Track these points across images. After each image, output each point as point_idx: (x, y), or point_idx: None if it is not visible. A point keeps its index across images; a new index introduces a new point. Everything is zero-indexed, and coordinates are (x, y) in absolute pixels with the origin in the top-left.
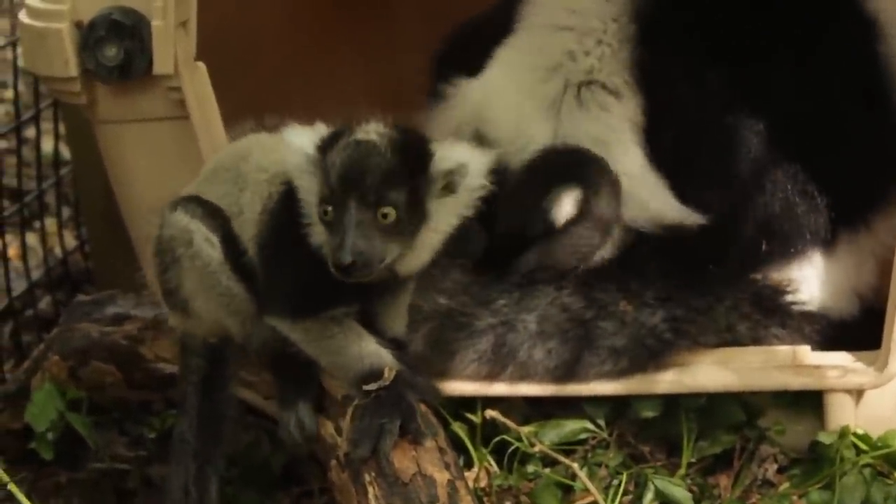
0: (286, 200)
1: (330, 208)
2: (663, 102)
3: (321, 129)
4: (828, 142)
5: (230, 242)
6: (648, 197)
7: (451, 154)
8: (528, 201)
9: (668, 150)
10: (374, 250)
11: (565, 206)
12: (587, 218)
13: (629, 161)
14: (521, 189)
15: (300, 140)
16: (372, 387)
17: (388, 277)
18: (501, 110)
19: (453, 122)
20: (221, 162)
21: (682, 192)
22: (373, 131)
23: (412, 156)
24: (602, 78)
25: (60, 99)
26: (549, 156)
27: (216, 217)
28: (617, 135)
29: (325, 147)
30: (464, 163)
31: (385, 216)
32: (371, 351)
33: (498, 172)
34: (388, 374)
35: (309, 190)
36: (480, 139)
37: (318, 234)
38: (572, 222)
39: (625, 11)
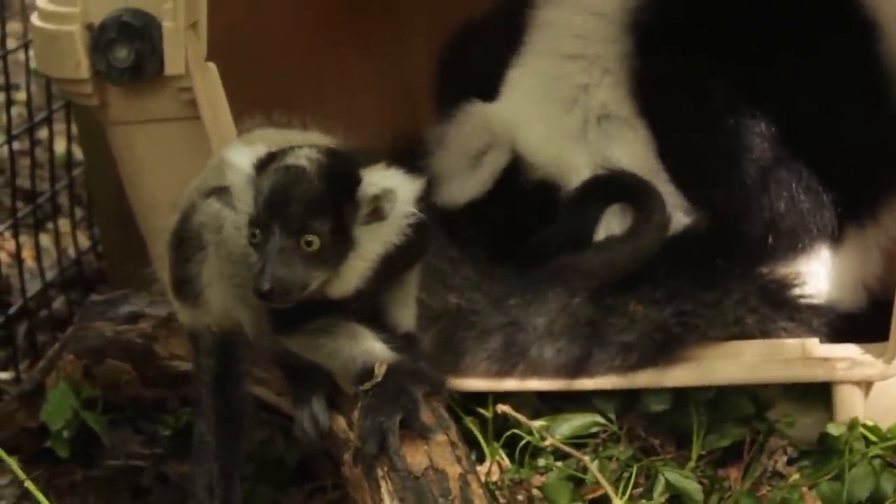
0: None
1: (258, 231)
2: (664, 111)
3: (261, 149)
4: (831, 139)
5: None
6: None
7: (378, 180)
8: (581, 216)
9: (671, 153)
10: (295, 277)
11: (611, 223)
12: (631, 237)
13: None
14: (576, 205)
15: (240, 159)
16: (366, 386)
17: (323, 299)
18: (537, 139)
19: (473, 142)
20: None
21: (687, 191)
22: (304, 156)
23: (339, 182)
24: (615, 111)
25: (72, 100)
26: (605, 178)
27: None
28: (641, 162)
29: (260, 168)
30: (391, 188)
31: (308, 244)
32: (363, 350)
33: (548, 190)
34: (378, 370)
35: (245, 211)
36: (518, 161)
37: (252, 255)
38: (615, 239)
39: (622, 29)
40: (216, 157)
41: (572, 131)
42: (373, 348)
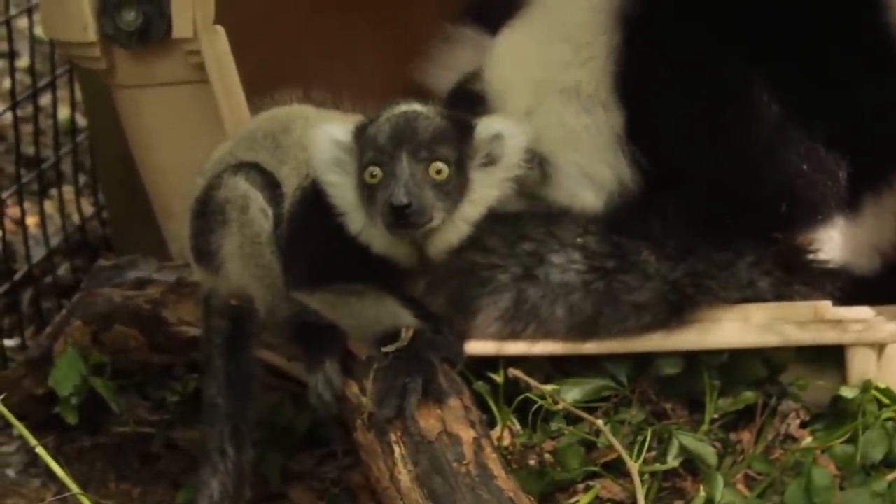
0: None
1: (377, 169)
2: (656, 97)
3: (354, 118)
4: (845, 108)
5: (280, 218)
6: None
7: (492, 124)
8: None
9: (672, 136)
10: (427, 200)
11: None
12: None
13: (595, 157)
14: None
15: (331, 131)
16: (389, 348)
17: (415, 262)
18: (498, 76)
19: (462, 66)
20: (262, 128)
21: (693, 165)
22: (415, 104)
23: (458, 122)
24: (590, 91)
25: (80, 65)
26: None
27: (274, 189)
28: (591, 135)
29: (360, 130)
30: (503, 132)
31: (438, 172)
32: (390, 312)
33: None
34: (405, 335)
35: (341, 181)
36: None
37: (356, 221)
38: None
39: (612, 21)
40: (249, 126)
41: (535, 84)
42: (399, 312)
